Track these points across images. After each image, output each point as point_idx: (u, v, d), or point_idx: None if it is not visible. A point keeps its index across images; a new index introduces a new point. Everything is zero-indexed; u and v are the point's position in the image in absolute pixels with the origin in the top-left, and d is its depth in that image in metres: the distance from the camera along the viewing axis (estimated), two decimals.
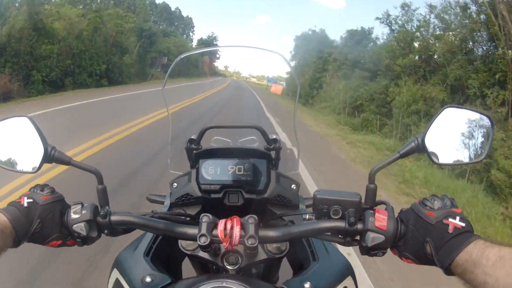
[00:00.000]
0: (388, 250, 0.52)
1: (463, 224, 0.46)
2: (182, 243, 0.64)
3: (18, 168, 0.59)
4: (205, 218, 0.54)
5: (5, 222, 0.49)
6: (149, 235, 0.69)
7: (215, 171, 0.73)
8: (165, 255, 0.69)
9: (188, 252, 0.64)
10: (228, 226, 0.52)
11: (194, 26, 44.75)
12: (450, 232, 0.46)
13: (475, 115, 0.56)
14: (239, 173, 0.72)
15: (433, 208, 0.49)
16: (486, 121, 0.55)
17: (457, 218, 0.47)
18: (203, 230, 0.52)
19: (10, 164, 0.59)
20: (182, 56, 0.79)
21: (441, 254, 0.45)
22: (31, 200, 0.53)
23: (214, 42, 45.08)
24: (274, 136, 0.81)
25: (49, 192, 0.55)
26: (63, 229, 0.55)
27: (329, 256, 0.66)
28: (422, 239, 0.48)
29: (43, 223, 0.53)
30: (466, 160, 0.56)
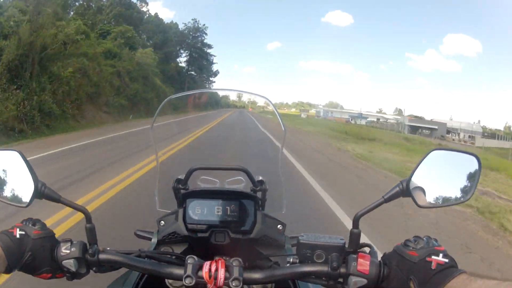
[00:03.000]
0: None
1: (446, 260, 0.50)
2: (168, 281, 0.69)
3: (9, 201, 0.63)
4: (191, 259, 0.58)
5: None
6: (136, 272, 0.74)
7: (202, 211, 0.77)
8: None
9: None
10: (213, 268, 0.57)
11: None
12: (433, 268, 0.49)
13: (461, 156, 0.60)
14: (226, 213, 0.76)
15: (415, 248, 0.53)
16: (473, 161, 0.59)
17: (440, 255, 0.50)
18: (189, 272, 0.57)
19: (2, 196, 0.63)
20: (171, 97, 0.88)
21: None
22: (23, 233, 0.58)
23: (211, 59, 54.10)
24: (261, 178, 0.87)
25: (40, 228, 0.61)
26: (53, 263, 0.60)
27: None
28: (406, 277, 0.52)
29: (34, 256, 0.58)
30: (453, 200, 0.59)
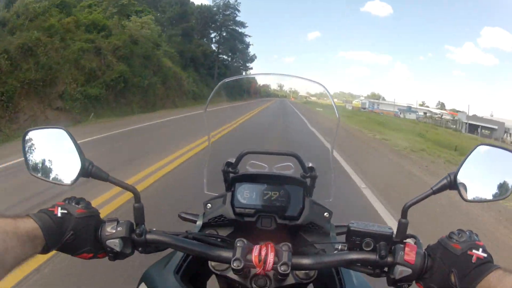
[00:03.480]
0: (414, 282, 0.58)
1: (485, 255, 0.53)
2: (212, 263, 0.70)
3: (54, 179, 0.63)
4: (240, 242, 0.59)
5: (36, 229, 0.52)
6: (180, 253, 0.77)
7: (250, 195, 0.79)
8: (194, 273, 0.77)
9: (218, 272, 0.70)
10: (263, 252, 0.58)
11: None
12: (473, 262, 0.52)
13: (505, 153, 0.62)
14: (274, 198, 0.78)
15: (458, 241, 0.55)
16: None
17: (480, 249, 0.53)
18: (238, 255, 0.58)
19: (45, 175, 0.63)
20: (225, 81, 0.88)
21: (464, 283, 0.52)
22: (65, 211, 0.57)
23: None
24: (311, 164, 0.89)
25: (84, 206, 0.60)
26: (95, 242, 0.60)
27: (356, 286, 0.73)
28: (447, 270, 0.54)
29: (76, 235, 0.58)
30: (495, 196, 0.62)
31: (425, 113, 63.96)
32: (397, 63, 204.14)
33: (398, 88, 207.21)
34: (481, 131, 44.82)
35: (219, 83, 0.88)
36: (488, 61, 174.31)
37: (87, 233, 0.59)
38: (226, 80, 0.90)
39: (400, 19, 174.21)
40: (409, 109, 69.46)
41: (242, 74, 41.71)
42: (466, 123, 47.56)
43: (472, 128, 45.42)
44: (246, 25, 44.87)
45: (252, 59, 50.10)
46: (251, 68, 52.09)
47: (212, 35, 43.39)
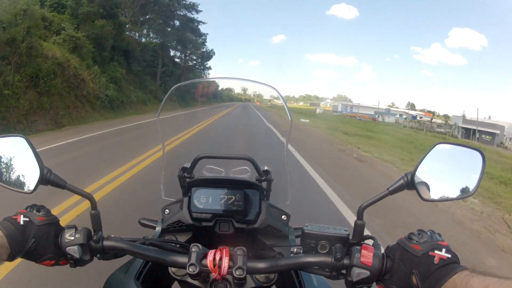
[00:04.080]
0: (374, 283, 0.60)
1: (449, 256, 0.54)
2: (172, 269, 0.75)
3: (15, 186, 0.67)
4: (195, 247, 0.63)
5: (1, 237, 0.58)
6: (140, 259, 0.79)
7: (207, 200, 0.83)
8: (155, 279, 0.80)
9: (178, 278, 0.74)
10: (217, 257, 0.61)
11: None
12: (435, 263, 0.54)
13: (465, 151, 0.65)
14: (231, 203, 0.83)
15: (419, 242, 0.57)
16: (477, 156, 0.64)
17: (443, 250, 0.55)
18: (193, 260, 0.61)
19: (7, 182, 0.67)
20: (178, 85, 0.94)
21: (426, 284, 0.53)
22: (27, 219, 0.62)
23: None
24: (266, 168, 0.92)
25: (44, 214, 0.65)
26: (56, 249, 0.65)
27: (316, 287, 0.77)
28: (408, 271, 0.56)
29: (38, 242, 0.62)
30: (456, 195, 0.64)
31: (412, 117, 59.85)
32: (363, 65, 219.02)
33: (365, 90, 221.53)
34: (480, 136, 41.78)
35: (172, 88, 0.93)
36: (456, 61, 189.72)
37: (48, 240, 0.64)
38: (177, 85, 0.94)
39: (366, 21, 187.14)
40: (388, 111, 65.50)
41: (196, 73, 41.05)
42: (461, 128, 44.62)
43: (469, 133, 42.12)
44: (199, 8, 36.74)
45: (209, 55, 43.65)
46: (209, 68, 46.90)
47: (153, 22, 33.89)
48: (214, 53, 43.99)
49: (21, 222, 0.61)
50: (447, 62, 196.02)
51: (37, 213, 0.64)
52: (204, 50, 42.19)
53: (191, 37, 37.75)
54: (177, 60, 39.58)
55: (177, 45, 37.44)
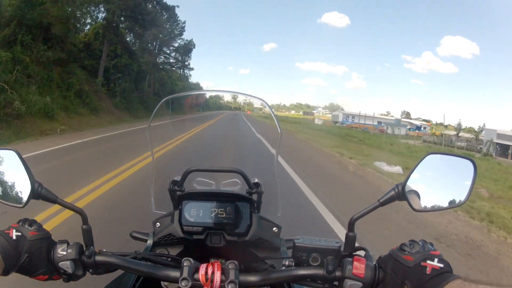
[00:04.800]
0: None
1: (441, 265, 0.58)
2: (164, 283, 0.80)
3: (5, 200, 0.71)
4: (187, 262, 0.67)
5: None
6: (133, 274, 0.84)
7: (198, 213, 0.88)
8: None
9: None
10: (209, 271, 0.66)
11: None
12: (428, 273, 0.57)
13: (457, 160, 0.70)
14: (221, 216, 0.87)
15: (411, 252, 0.61)
16: (468, 165, 0.68)
17: (435, 259, 0.58)
18: (185, 274, 0.65)
19: None
20: (168, 98, 0.98)
21: None
22: (19, 234, 0.66)
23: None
24: (256, 180, 0.98)
25: (36, 229, 0.69)
26: (49, 264, 0.69)
27: None
28: (400, 282, 0.60)
29: (31, 257, 0.66)
30: (448, 204, 0.69)
31: (416, 127, 59.55)
32: (353, 73, 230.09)
33: (356, 99, 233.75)
34: None
35: (162, 101, 0.97)
36: (447, 69, 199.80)
37: (41, 255, 0.68)
38: (167, 98, 0.99)
39: (357, 30, 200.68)
40: (398, 122, 64.78)
41: (170, 73, 38.81)
42: (495, 144, 39.31)
43: (505, 150, 37.62)
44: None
45: (188, 48, 36.06)
46: (191, 68, 39.84)
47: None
48: (194, 45, 37.07)
49: (14, 237, 0.65)
50: (438, 70, 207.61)
51: (29, 228, 0.68)
52: (182, 42, 35.02)
53: (153, 13, 27.86)
54: (134, 47, 28.49)
55: (134, 25, 26.23)
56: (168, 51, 35.10)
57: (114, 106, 21.98)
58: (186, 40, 35.19)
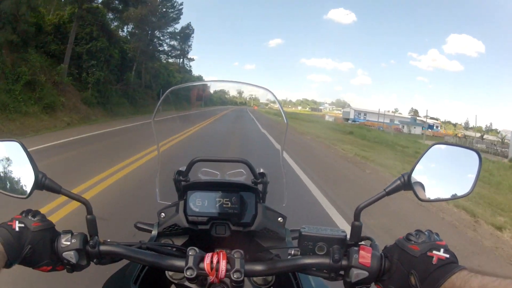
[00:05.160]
0: (373, 284, 0.69)
1: (447, 256, 0.60)
2: (169, 272, 0.85)
3: (9, 192, 0.74)
4: (192, 251, 0.69)
5: None
6: (137, 264, 0.89)
7: (203, 203, 0.91)
8: (152, 283, 0.89)
9: (175, 281, 0.85)
10: (215, 260, 0.69)
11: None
12: (434, 263, 0.60)
13: (462, 151, 0.74)
14: (226, 205, 0.91)
15: (417, 242, 0.64)
16: (473, 156, 0.72)
17: (441, 250, 0.61)
18: (190, 263, 0.68)
19: (2, 187, 0.74)
20: (172, 89, 1.00)
21: (425, 285, 0.60)
22: (22, 225, 0.68)
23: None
24: (262, 170, 1.03)
25: (40, 219, 0.71)
26: (53, 255, 0.72)
27: None
28: (406, 271, 0.63)
29: (34, 248, 0.69)
30: (453, 194, 0.73)
31: (429, 126, 58.61)
32: (358, 70, 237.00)
33: (361, 95, 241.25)
34: None
35: (167, 92, 1.01)
36: (453, 67, 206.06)
37: (44, 246, 0.71)
38: (172, 88, 1.01)
39: (363, 26, 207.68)
40: (414, 121, 63.72)
41: (164, 63, 35.73)
42: None
43: None
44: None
45: (186, 34, 33.95)
46: (188, 55, 37.91)
47: None
48: (192, 30, 34.98)
49: (17, 229, 0.67)
50: (444, 68, 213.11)
51: (32, 219, 0.70)
52: (179, 27, 32.20)
53: None
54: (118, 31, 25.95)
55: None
56: (162, 38, 32.15)
57: (83, 101, 18.06)
58: (184, 25, 33.21)
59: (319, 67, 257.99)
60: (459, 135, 54.63)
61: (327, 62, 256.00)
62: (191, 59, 40.00)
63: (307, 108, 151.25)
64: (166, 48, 33.91)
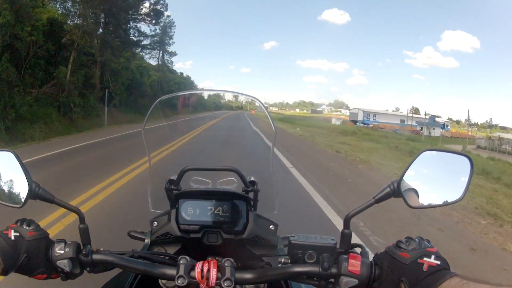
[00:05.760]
0: None
1: (438, 262, 0.64)
2: (162, 281, 0.93)
3: (3, 201, 0.83)
4: (183, 260, 0.77)
5: None
6: (130, 272, 0.97)
7: (194, 212, 0.99)
8: None
9: None
10: (205, 268, 0.75)
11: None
12: (424, 270, 0.64)
13: (453, 157, 0.79)
14: (218, 214, 0.98)
15: (407, 249, 0.68)
16: (465, 161, 0.78)
17: (432, 256, 0.65)
18: (181, 272, 0.75)
19: None
20: (161, 99, 1.10)
21: None
22: (17, 234, 0.76)
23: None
24: (252, 178, 1.10)
25: (34, 229, 0.79)
26: (48, 263, 0.80)
27: None
28: (397, 279, 0.68)
29: (29, 257, 0.77)
30: (445, 200, 0.78)
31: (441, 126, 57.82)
32: (354, 70, 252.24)
33: (358, 95, 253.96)
34: None
35: (156, 101, 1.10)
36: (448, 64, 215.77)
37: (39, 254, 0.78)
38: (161, 98, 1.11)
39: (358, 26, 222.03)
40: (433, 121, 63.24)
41: (132, 53, 30.08)
42: None
43: None
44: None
45: (158, 12, 29.04)
46: (173, 53, 35.57)
47: None
48: (166, 7, 29.71)
49: (12, 237, 0.75)
50: (439, 65, 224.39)
51: (27, 228, 0.78)
52: (151, 11, 27.14)
53: None
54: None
55: None
56: (130, 22, 26.15)
57: None
58: (168, 20, 28.34)
59: (315, 68, 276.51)
60: (496, 137, 50.52)
61: (322, 63, 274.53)
62: (173, 53, 36.05)
63: (305, 110, 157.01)
64: (131, 36, 28.30)
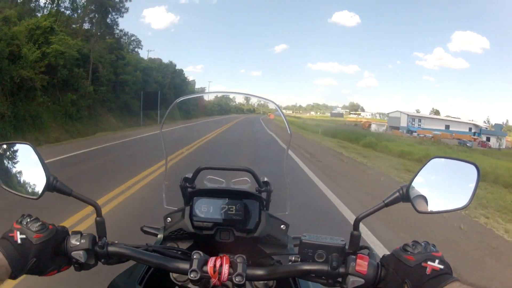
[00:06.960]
0: None
1: (442, 267, 0.76)
2: (173, 275, 1.09)
3: (22, 192, 0.95)
4: (196, 254, 0.90)
5: (1, 259, 0.79)
6: (143, 265, 1.13)
7: (208, 210, 1.16)
8: (156, 284, 1.14)
9: (179, 283, 1.09)
10: (218, 264, 0.88)
11: None
12: (428, 273, 0.76)
13: (461, 164, 0.93)
14: (231, 212, 1.15)
15: (413, 253, 0.81)
16: (472, 169, 0.91)
17: (436, 261, 0.77)
18: (194, 266, 0.88)
19: (14, 188, 0.96)
20: (180, 99, 1.27)
21: None
22: (24, 237, 0.85)
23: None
24: (266, 179, 1.30)
25: (40, 229, 0.88)
26: (57, 259, 0.92)
27: None
28: (401, 280, 0.80)
29: (39, 260, 0.86)
30: (451, 207, 0.92)
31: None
32: (365, 72, 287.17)
33: (369, 97, 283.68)
34: None
35: (174, 102, 1.28)
36: (459, 65, 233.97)
37: (48, 256, 0.89)
38: (180, 99, 1.28)
39: (368, 28, 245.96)
40: (500, 130, 62.21)
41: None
42: None
43: None
44: None
45: None
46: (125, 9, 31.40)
47: None
48: None
49: (19, 241, 0.85)
50: (449, 66, 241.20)
51: (33, 230, 0.88)
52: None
53: None
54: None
55: None
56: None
57: None
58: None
59: (325, 71, 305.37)
60: None
61: (333, 66, 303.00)
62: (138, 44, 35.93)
63: (318, 113, 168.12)
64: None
